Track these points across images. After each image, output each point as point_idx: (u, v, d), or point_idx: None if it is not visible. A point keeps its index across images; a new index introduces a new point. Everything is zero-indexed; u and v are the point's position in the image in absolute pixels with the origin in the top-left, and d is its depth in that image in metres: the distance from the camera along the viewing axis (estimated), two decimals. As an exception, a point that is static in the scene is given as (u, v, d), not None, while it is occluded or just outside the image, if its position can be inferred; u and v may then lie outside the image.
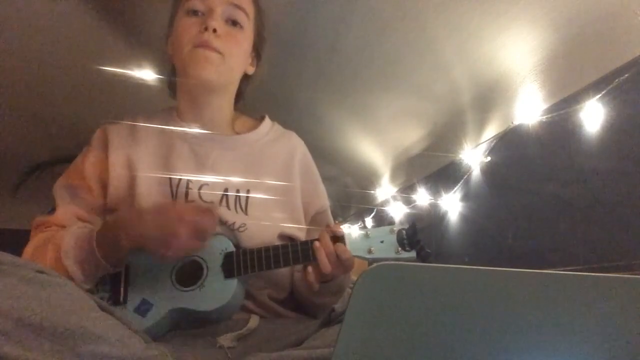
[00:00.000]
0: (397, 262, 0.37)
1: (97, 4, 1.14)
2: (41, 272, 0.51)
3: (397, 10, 1.15)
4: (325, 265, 0.74)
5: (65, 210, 0.84)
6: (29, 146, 1.95)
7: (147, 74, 1.37)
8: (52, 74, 1.41)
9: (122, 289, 0.77)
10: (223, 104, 0.94)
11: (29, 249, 0.79)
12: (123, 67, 1.35)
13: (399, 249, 0.76)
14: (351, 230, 0.79)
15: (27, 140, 1.90)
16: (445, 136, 1.79)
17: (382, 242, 0.77)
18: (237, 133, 0.95)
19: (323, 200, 0.97)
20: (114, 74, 1.36)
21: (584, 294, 0.39)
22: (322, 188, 0.99)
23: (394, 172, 2.21)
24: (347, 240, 0.77)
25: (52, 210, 0.86)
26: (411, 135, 1.85)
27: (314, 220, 0.95)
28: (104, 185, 0.85)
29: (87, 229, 0.78)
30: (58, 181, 0.88)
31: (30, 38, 1.23)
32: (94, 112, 1.58)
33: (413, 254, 0.76)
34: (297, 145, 0.98)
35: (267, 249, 0.77)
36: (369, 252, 0.76)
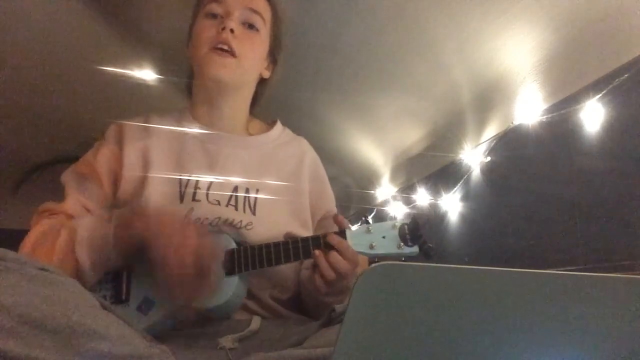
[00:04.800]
0: (397, 262, 0.37)
1: (97, 4, 1.14)
2: (44, 269, 0.52)
3: (397, 10, 1.15)
4: (326, 268, 0.74)
5: (75, 200, 0.84)
6: (29, 146, 1.95)
7: (147, 74, 1.37)
8: (52, 74, 1.41)
9: (124, 287, 0.77)
10: (237, 106, 0.96)
11: (32, 234, 0.78)
12: (123, 67, 1.35)
13: (401, 244, 0.75)
14: (352, 227, 0.78)
15: (27, 140, 1.90)
16: (445, 136, 1.79)
17: (384, 237, 0.76)
18: (250, 135, 0.97)
19: (330, 204, 0.99)
20: (114, 74, 1.36)
21: (584, 294, 0.39)
22: (330, 193, 1.00)
23: (394, 172, 2.21)
24: (348, 236, 0.76)
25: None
26: (411, 135, 1.85)
27: (320, 224, 0.96)
28: (115, 180, 0.86)
29: (101, 220, 0.78)
30: (67, 170, 0.88)
31: (30, 38, 1.23)
32: (94, 112, 1.58)
33: (415, 249, 0.74)
34: (306, 150, 1.00)
35: (267, 245, 0.77)
36: (371, 247, 0.75)
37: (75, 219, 0.79)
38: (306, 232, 0.91)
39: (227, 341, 0.69)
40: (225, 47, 0.85)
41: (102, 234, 0.74)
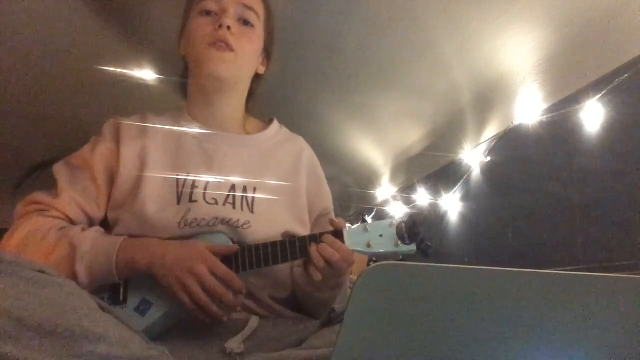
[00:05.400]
0: (397, 262, 0.37)
1: (97, 3, 1.14)
2: (42, 271, 0.51)
3: (397, 11, 1.15)
4: (319, 261, 0.75)
5: (69, 198, 0.82)
6: (29, 146, 1.95)
7: (147, 74, 1.37)
8: (52, 74, 1.41)
9: (121, 289, 0.77)
10: (234, 103, 0.96)
11: (20, 232, 0.77)
12: (123, 67, 1.35)
13: (399, 242, 0.75)
14: (350, 225, 0.78)
15: (27, 140, 1.90)
16: (445, 136, 1.79)
17: (381, 235, 0.76)
18: (248, 133, 0.97)
19: (327, 202, 0.99)
20: (114, 74, 1.36)
21: (584, 294, 0.39)
22: (327, 191, 1.00)
23: (394, 172, 2.21)
24: (345, 235, 0.76)
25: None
26: (411, 135, 1.85)
27: (318, 222, 0.96)
28: (110, 179, 0.85)
29: (102, 236, 0.78)
30: (60, 162, 0.87)
31: (31, 38, 1.23)
32: (94, 112, 1.58)
33: (413, 247, 0.75)
34: (304, 149, 1.00)
35: (265, 245, 0.77)
36: (368, 246, 0.75)
37: (74, 230, 0.78)
38: (304, 230, 0.91)
39: (233, 344, 0.68)
40: (223, 44, 0.86)
41: (105, 254, 0.74)
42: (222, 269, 0.73)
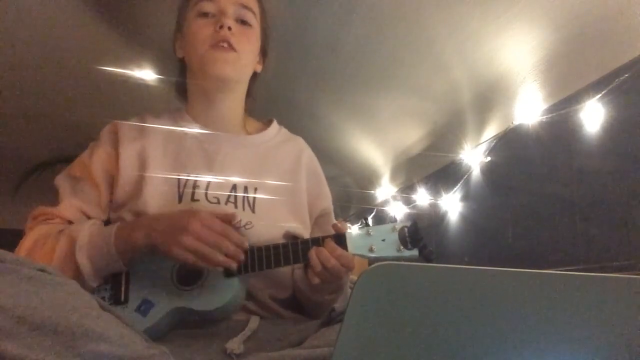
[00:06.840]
0: (397, 262, 0.37)
1: (97, 4, 1.14)
2: (43, 270, 0.51)
3: (397, 10, 1.15)
4: (317, 265, 0.75)
5: (70, 204, 0.84)
6: (29, 146, 1.96)
7: (147, 74, 1.37)
8: (52, 74, 1.41)
9: (123, 289, 0.77)
10: (234, 103, 0.96)
11: (28, 240, 0.78)
12: (123, 67, 1.35)
13: (401, 247, 0.74)
14: (352, 230, 0.78)
15: (27, 140, 1.91)
16: (445, 136, 1.79)
17: (383, 240, 0.76)
18: (248, 133, 0.97)
19: (327, 202, 0.99)
20: (114, 74, 1.36)
21: (584, 294, 0.39)
22: (327, 191, 1.01)
23: (394, 172, 2.21)
24: (348, 238, 0.76)
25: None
26: (411, 135, 1.85)
27: (317, 222, 0.96)
28: (111, 182, 0.86)
29: (100, 225, 0.79)
30: (61, 174, 0.88)
31: (31, 38, 1.23)
32: (94, 112, 1.58)
33: (415, 252, 0.74)
34: (304, 149, 1.00)
35: (267, 247, 0.77)
36: (370, 250, 0.75)
37: (73, 225, 0.79)
38: (305, 230, 0.91)
39: (233, 344, 0.68)
40: (225, 45, 0.86)
41: (102, 238, 0.74)
42: (217, 223, 0.72)
